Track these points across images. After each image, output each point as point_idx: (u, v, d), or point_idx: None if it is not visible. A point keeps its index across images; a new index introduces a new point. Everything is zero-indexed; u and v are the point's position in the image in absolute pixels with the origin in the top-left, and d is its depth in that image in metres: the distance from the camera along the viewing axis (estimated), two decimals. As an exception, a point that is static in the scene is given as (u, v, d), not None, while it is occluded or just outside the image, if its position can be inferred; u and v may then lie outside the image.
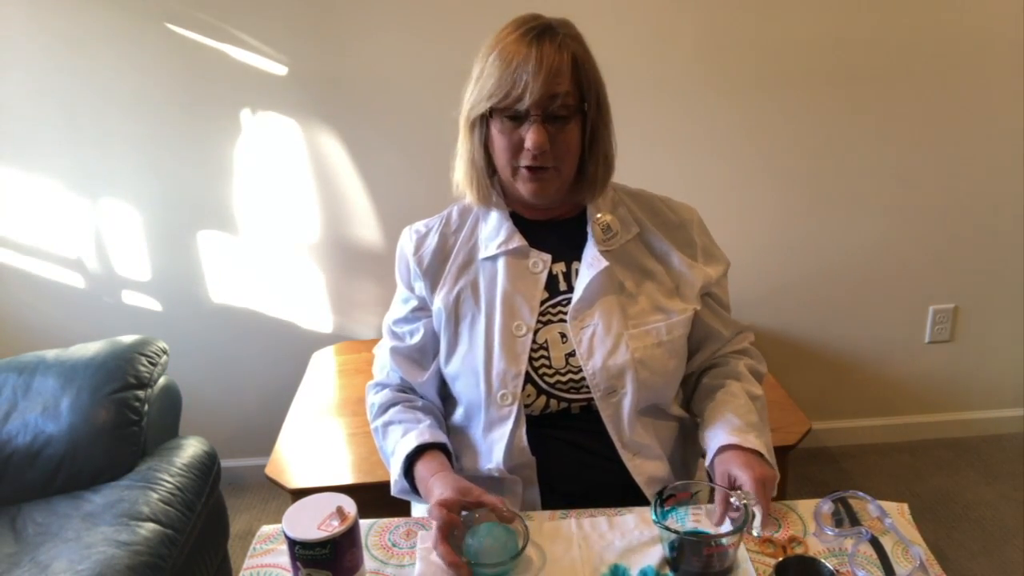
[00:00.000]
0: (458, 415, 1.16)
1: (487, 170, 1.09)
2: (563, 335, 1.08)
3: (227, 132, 2.02)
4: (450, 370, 1.12)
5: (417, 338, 1.15)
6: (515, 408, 1.07)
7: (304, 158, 2.06)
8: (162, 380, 1.76)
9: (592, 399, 1.07)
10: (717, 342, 1.17)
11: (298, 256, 2.16)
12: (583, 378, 1.07)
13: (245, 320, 2.21)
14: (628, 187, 1.18)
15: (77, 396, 1.62)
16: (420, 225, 1.17)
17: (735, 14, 1.97)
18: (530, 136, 0.99)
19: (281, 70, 1.97)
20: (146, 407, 1.66)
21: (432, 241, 1.14)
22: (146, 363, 1.70)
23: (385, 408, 1.16)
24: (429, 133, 2.00)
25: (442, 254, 1.14)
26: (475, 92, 1.03)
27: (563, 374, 1.07)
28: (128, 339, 1.75)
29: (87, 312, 2.18)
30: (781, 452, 1.69)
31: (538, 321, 1.08)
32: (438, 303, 1.12)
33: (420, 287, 1.14)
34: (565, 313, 1.09)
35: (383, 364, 1.20)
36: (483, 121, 1.04)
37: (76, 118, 1.99)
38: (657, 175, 2.10)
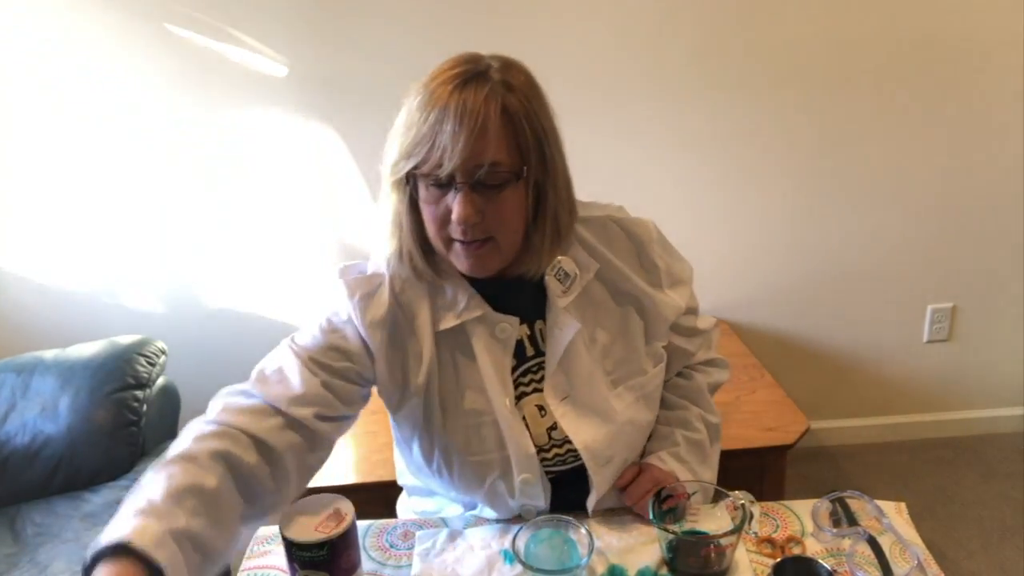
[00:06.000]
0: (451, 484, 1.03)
1: (419, 236, 0.92)
2: (540, 407, 0.99)
3: (227, 133, 2.02)
4: (437, 462, 0.99)
5: (325, 384, 0.92)
6: (539, 488, 0.99)
7: (304, 158, 2.05)
8: (161, 380, 1.76)
9: (581, 467, 1.00)
10: (684, 358, 1.13)
11: (298, 256, 2.16)
12: (568, 451, 1.00)
13: (244, 320, 2.21)
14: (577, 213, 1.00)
15: (76, 396, 1.62)
16: (362, 281, 0.96)
17: (733, 13, 1.96)
18: (455, 208, 0.84)
19: (281, 71, 1.97)
20: (145, 407, 1.66)
21: (381, 308, 0.94)
22: (145, 363, 1.70)
23: (203, 436, 0.82)
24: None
25: (398, 326, 0.96)
26: (396, 145, 0.89)
27: (547, 450, 1.00)
28: (127, 339, 1.75)
29: (86, 312, 2.18)
30: (779, 451, 1.69)
31: None
32: (408, 392, 0.97)
33: (363, 362, 0.95)
34: (537, 381, 0.99)
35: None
36: (410, 180, 0.89)
37: (75, 118, 1.99)
38: (654, 175, 2.11)
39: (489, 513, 1.04)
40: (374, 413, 1.84)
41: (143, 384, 1.68)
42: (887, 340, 2.34)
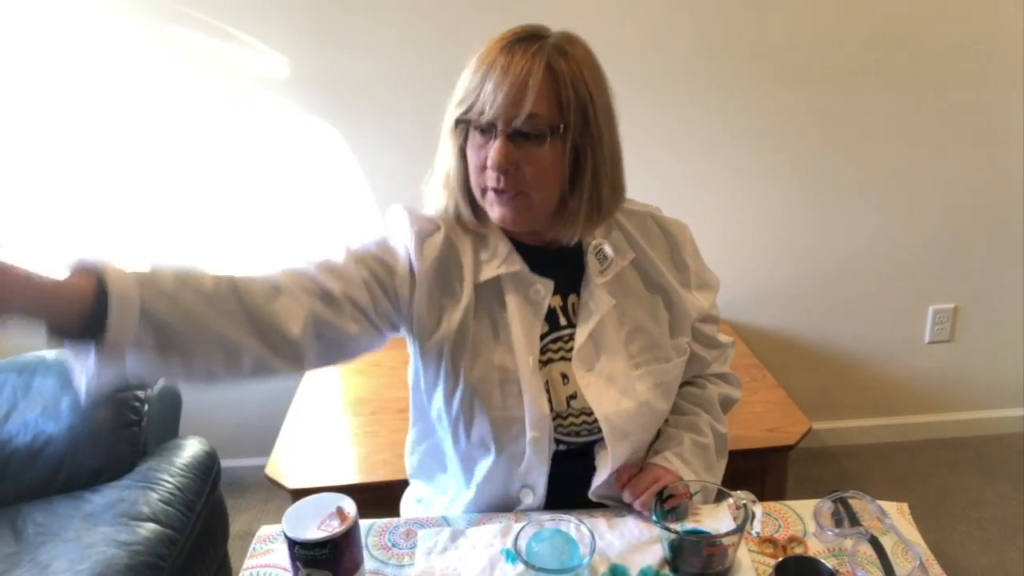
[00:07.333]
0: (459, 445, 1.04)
1: (464, 186, 0.97)
2: (564, 375, 1.01)
3: (228, 132, 2.02)
4: (456, 411, 1.00)
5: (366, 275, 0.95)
6: (544, 450, 1.00)
7: (305, 158, 2.05)
8: (162, 380, 1.76)
9: (591, 441, 1.03)
10: (699, 365, 1.15)
11: (298, 256, 2.16)
12: (584, 422, 1.02)
13: (245, 320, 2.21)
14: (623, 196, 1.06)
15: (77, 396, 1.62)
16: (422, 218, 1.00)
17: (734, 13, 1.96)
18: (491, 154, 0.90)
19: (282, 70, 1.97)
20: (146, 407, 1.66)
21: (434, 247, 0.98)
22: (146, 363, 1.70)
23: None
24: (430, 133, 1.99)
25: (445, 268, 0.99)
26: (453, 97, 0.95)
27: (564, 417, 1.01)
28: (128, 339, 1.75)
29: (87, 312, 2.18)
30: (781, 452, 1.69)
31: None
32: (439, 332, 0.98)
33: (404, 284, 0.97)
34: (566, 351, 1.01)
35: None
36: (460, 130, 0.95)
37: (75, 117, 1.99)
38: (654, 175, 2.10)
39: (484, 494, 1.04)
40: (373, 414, 1.85)
41: (144, 384, 1.68)
42: (889, 341, 2.34)
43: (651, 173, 2.13)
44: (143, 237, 2.11)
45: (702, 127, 2.08)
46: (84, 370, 0.73)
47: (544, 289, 1.00)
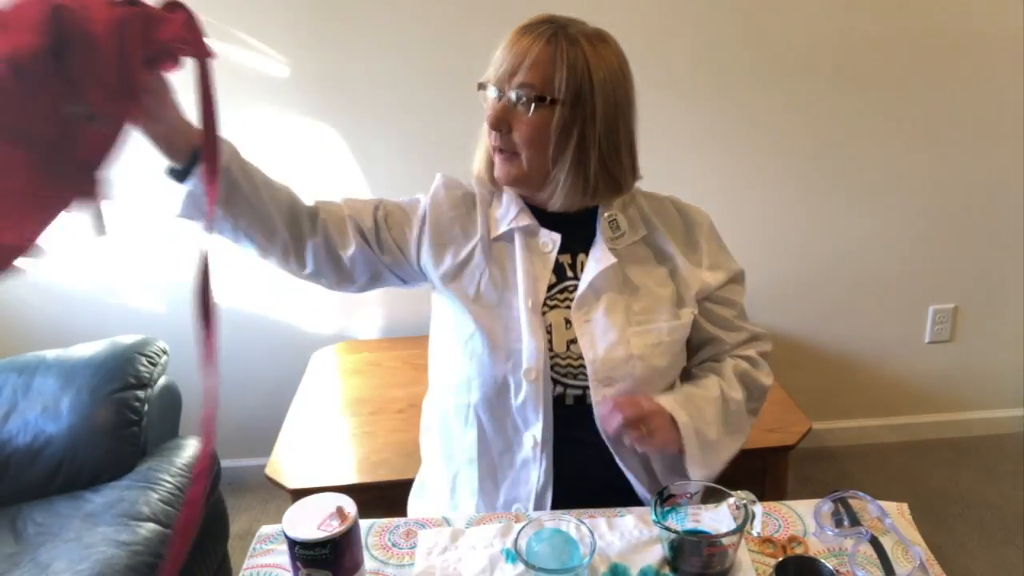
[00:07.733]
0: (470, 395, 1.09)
1: (487, 151, 1.10)
2: (567, 321, 1.08)
3: (228, 132, 2.01)
4: (471, 326, 1.08)
5: (376, 232, 1.10)
6: (541, 385, 1.05)
7: (305, 159, 2.06)
8: (162, 380, 1.76)
9: (586, 388, 1.06)
10: (718, 347, 1.18)
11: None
12: (581, 365, 1.06)
13: (245, 320, 2.21)
14: (639, 187, 1.16)
15: (77, 396, 1.62)
16: (453, 177, 1.16)
17: (735, 13, 1.97)
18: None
19: (283, 71, 1.97)
20: (146, 407, 1.66)
21: (454, 194, 1.13)
22: (146, 363, 1.70)
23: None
24: (431, 134, 2.00)
25: (461, 215, 1.12)
26: None
27: (563, 358, 1.07)
28: (128, 339, 1.75)
29: (87, 312, 2.18)
30: (781, 452, 1.69)
31: (544, 304, 1.08)
32: (445, 264, 1.10)
33: (415, 225, 1.12)
34: (571, 300, 1.08)
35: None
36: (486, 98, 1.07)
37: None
38: (655, 175, 2.10)
39: (486, 438, 1.09)
40: (373, 414, 1.85)
41: (144, 384, 1.68)
42: (889, 341, 2.34)
43: (650, 174, 2.14)
44: (143, 237, 2.11)
45: (700, 127, 2.08)
46: (179, 196, 1.00)
47: (551, 241, 1.10)
